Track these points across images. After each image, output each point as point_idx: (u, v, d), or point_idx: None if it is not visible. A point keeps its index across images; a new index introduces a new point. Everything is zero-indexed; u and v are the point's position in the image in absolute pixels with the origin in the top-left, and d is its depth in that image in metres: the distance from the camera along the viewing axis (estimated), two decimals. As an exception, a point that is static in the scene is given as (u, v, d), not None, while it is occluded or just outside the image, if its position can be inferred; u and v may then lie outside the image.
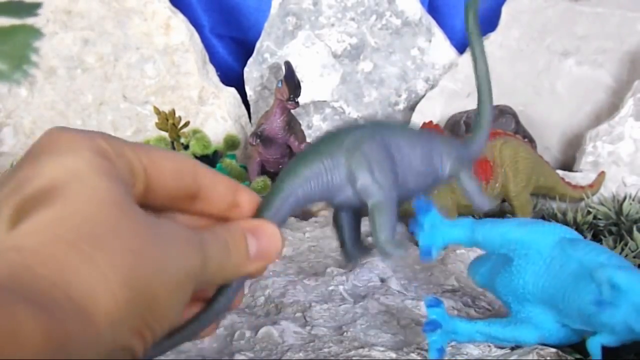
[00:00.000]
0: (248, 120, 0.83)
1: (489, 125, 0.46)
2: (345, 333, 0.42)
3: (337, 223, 0.40)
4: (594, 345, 0.35)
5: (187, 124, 0.66)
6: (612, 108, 0.76)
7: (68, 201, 0.21)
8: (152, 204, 0.26)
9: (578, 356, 0.38)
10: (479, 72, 0.46)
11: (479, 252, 0.58)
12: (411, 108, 0.83)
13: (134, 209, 0.23)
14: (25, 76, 0.17)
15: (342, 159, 0.37)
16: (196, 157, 0.65)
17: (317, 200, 0.38)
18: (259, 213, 0.31)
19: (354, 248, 0.40)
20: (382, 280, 0.52)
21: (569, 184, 0.71)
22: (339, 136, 0.38)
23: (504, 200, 0.66)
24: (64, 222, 0.21)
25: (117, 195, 0.22)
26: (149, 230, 0.23)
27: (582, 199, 0.70)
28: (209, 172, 0.29)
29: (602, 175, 0.71)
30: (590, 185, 0.71)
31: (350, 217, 0.40)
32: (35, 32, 0.18)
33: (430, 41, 0.83)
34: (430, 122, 0.67)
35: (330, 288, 0.49)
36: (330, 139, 0.38)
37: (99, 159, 0.23)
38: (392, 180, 0.38)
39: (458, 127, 0.75)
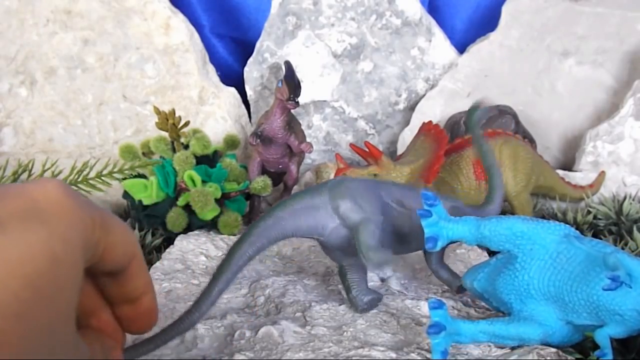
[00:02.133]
0: (248, 120, 0.83)
1: (501, 190, 0.52)
2: (345, 333, 0.42)
3: (342, 275, 0.44)
4: (603, 337, 0.35)
5: (187, 123, 0.66)
6: (612, 108, 0.76)
7: None
8: (87, 272, 0.28)
9: (578, 356, 0.38)
10: (487, 164, 0.52)
11: (478, 251, 0.58)
12: (411, 108, 0.83)
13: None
14: None
15: (327, 194, 0.42)
16: (196, 157, 0.65)
17: (306, 235, 0.42)
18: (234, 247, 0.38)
19: (360, 296, 0.44)
20: (382, 280, 0.52)
21: (569, 183, 0.71)
22: (326, 182, 0.43)
23: (503, 200, 0.66)
24: None
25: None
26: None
27: (582, 199, 0.70)
28: (140, 265, 0.31)
29: (602, 175, 0.71)
30: (590, 185, 0.71)
31: (355, 269, 0.44)
32: None
33: (430, 41, 0.83)
34: (430, 122, 0.67)
35: (330, 288, 0.49)
36: (317, 185, 0.43)
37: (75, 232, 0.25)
38: (375, 207, 0.42)
39: (458, 127, 0.75)
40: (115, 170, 0.51)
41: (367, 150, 0.66)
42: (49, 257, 0.22)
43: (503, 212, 0.65)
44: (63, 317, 0.23)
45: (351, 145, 0.70)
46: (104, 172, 0.51)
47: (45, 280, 0.22)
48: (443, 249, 0.48)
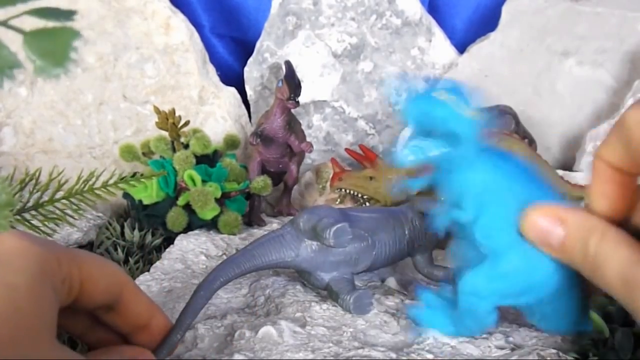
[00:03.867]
0: (248, 119, 0.83)
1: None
2: (345, 333, 0.42)
3: (331, 292, 0.46)
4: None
5: (187, 123, 0.66)
6: (612, 108, 0.76)
7: None
8: (81, 309, 0.30)
9: (578, 356, 0.38)
10: None
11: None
12: (411, 108, 0.83)
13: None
14: (66, 72, 0.18)
15: (289, 224, 0.45)
16: (196, 157, 0.65)
17: (279, 263, 0.45)
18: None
19: (346, 298, 0.44)
20: (382, 280, 0.52)
21: (568, 182, 0.71)
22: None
23: None
24: None
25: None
26: None
27: (582, 198, 0.70)
28: (134, 291, 0.32)
29: None
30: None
31: (338, 280, 0.46)
32: (76, 34, 0.19)
33: (430, 41, 0.83)
34: None
35: (330, 288, 0.49)
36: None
37: (38, 269, 0.27)
38: (335, 212, 0.45)
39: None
40: (121, 180, 0.51)
41: (362, 153, 0.66)
42: (4, 286, 0.25)
43: None
44: (30, 336, 0.25)
45: (347, 150, 0.70)
46: (110, 182, 0.51)
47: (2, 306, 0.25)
48: (430, 252, 0.49)
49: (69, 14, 0.20)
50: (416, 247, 0.49)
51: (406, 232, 0.48)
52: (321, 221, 0.43)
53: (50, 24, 0.19)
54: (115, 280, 0.31)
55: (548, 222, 0.31)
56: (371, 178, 0.65)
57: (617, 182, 0.31)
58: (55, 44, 0.18)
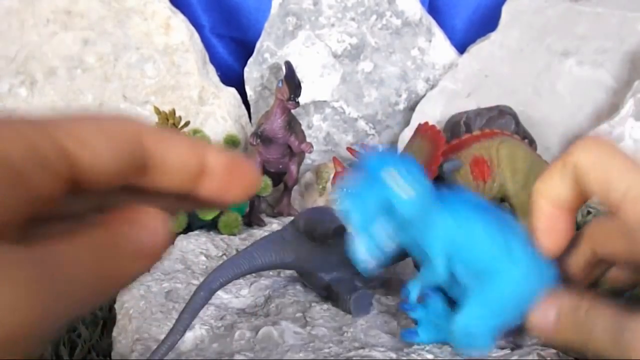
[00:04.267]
0: (248, 120, 0.83)
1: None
2: (345, 333, 0.42)
3: (331, 293, 0.46)
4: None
5: (187, 123, 0.66)
6: (612, 108, 0.76)
7: None
8: (94, 189, 0.19)
9: (578, 356, 0.38)
10: None
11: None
12: (411, 108, 0.83)
13: None
14: None
15: (289, 225, 0.45)
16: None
17: (279, 264, 0.45)
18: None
19: (346, 297, 0.45)
20: (382, 280, 0.52)
21: None
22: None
23: (502, 200, 0.65)
24: None
25: None
26: None
27: None
28: (161, 136, 0.21)
29: None
30: None
31: (338, 281, 0.46)
32: None
33: (430, 41, 0.83)
34: (426, 123, 0.66)
35: (331, 288, 0.49)
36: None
37: None
38: (334, 213, 0.44)
39: (458, 127, 0.75)
40: None
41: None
42: None
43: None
44: None
45: (348, 148, 0.70)
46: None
47: None
48: None
49: None
50: None
51: None
52: (323, 225, 0.44)
53: None
54: (122, 137, 0.19)
55: (543, 313, 0.32)
56: None
57: (559, 218, 0.33)
58: None
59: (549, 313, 0.32)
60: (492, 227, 0.34)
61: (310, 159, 0.83)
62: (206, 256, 0.56)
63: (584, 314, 0.30)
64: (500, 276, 0.33)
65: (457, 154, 0.65)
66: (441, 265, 0.35)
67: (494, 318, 0.34)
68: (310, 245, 0.44)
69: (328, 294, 0.46)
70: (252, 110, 0.84)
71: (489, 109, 0.75)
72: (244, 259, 0.43)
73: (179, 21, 0.76)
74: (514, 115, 0.74)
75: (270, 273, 0.52)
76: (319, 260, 0.45)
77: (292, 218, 0.48)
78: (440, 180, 0.63)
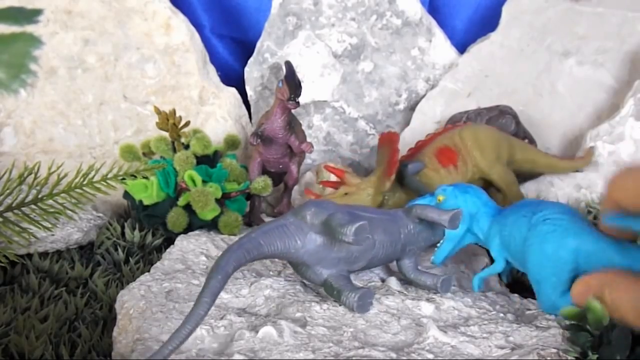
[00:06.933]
0: (248, 120, 0.83)
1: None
2: (345, 333, 0.42)
3: (329, 288, 0.46)
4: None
5: (187, 123, 0.66)
6: (612, 108, 0.76)
7: None
8: None
9: (578, 356, 0.38)
10: None
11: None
12: (411, 108, 0.83)
13: None
14: (24, 85, 0.17)
15: (291, 214, 0.45)
16: (196, 157, 0.65)
17: (283, 253, 0.44)
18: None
19: (350, 295, 0.44)
20: (382, 280, 0.52)
21: (554, 156, 0.72)
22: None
23: (489, 184, 0.66)
24: None
25: None
26: None
27: (572, 171, 0.71)
28: None
29: (591, 149, 0.71)
30: (580, 157, 0.71)
31: (337, 276, 0.46)
32: (35, 41, 0.17)
33: (430, 41, 0.83)
34: (385, 132, 0.68)
35: (331, 288, 0.49)
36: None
37: None
38: (340, 207, 0.45)
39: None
40: (121, 173, 0.51)
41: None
42: None
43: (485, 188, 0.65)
44: None
45: (325, 166, 0.70)
46: (110, 176, 0.51)
47: None
48: (416, 257, 0.50)
49: (33, 14, 0.18)
50: (407, 251, 0.50)
51: (401, 236, 0.49)
52: (335, 216, 0.43)
53: (12, 28, 0.17)
54: None
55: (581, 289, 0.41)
56: (346, 194, 0.66)
57: None
58: (13, 54, 0.16)
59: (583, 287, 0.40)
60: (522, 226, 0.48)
61: (310, 159, 0.84)
62: (206, 256, 0.56)
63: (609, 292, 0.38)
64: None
65: (421, 152, 0.67)
66: (501, 261, 0.51)
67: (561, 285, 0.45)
68: (315, 238, 0.44)
69: (325, 289, 0.46)
70: (252, 110, 0.84)
71: (489, 109, 0.75)
72: (251, 245, 0.42)
73: (180, 21, 0.76)
74: (514, 115, 0.74)
75: (271, 273, 0.52)
76: (322, 254, 0.44)
77: (294, 208, 0.48)
78: (402, 181, 0.65)
